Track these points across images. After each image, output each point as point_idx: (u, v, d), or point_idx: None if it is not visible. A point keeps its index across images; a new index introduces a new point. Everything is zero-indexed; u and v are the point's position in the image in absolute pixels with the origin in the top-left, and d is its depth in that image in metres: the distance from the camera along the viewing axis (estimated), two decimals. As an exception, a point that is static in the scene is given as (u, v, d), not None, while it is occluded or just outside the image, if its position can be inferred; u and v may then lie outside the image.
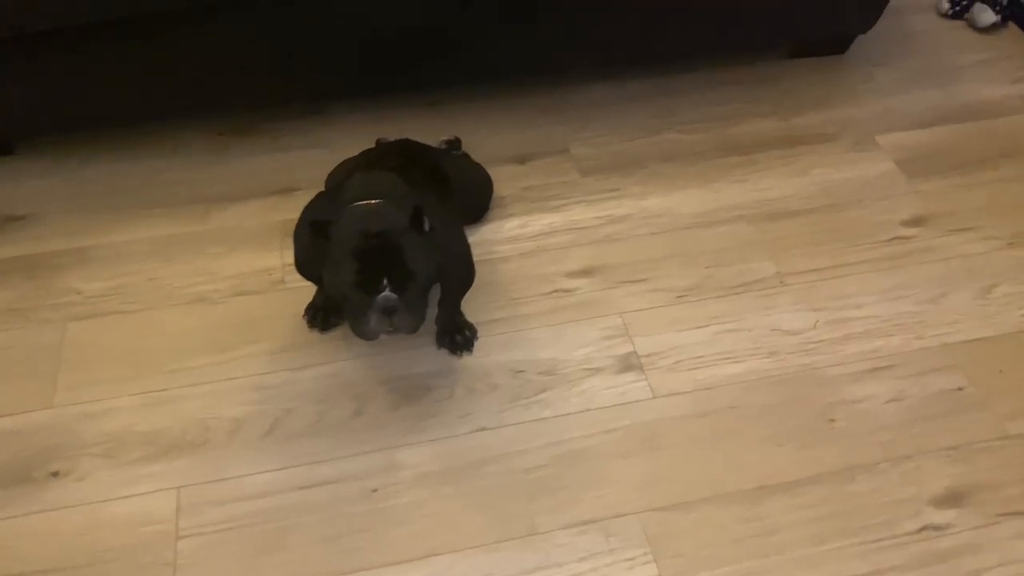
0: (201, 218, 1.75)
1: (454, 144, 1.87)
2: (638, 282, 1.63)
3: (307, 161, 1.84)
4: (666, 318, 1.56)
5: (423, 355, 1.52)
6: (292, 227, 1.44)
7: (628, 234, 1.72)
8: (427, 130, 1.82)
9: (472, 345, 1.54)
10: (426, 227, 1.27)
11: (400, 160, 1.52)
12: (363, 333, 1.27)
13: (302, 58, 1.74)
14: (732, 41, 2.02)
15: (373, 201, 1.29)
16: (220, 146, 1.91)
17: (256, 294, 1.61)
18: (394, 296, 1.24)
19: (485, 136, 1.91)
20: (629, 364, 1.49)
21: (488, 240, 1.70)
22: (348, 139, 1.76)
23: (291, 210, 1.56)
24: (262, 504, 1.32)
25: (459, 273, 1.48)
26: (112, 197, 1.79)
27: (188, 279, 1.63)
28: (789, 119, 1.97)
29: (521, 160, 1.87)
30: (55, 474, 1.34)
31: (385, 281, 1.23)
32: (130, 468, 1.36)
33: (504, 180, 1.81)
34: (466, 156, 1.83)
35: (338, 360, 1.51)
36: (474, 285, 1.51)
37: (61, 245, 1.69)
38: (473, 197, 1.73)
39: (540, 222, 1.75)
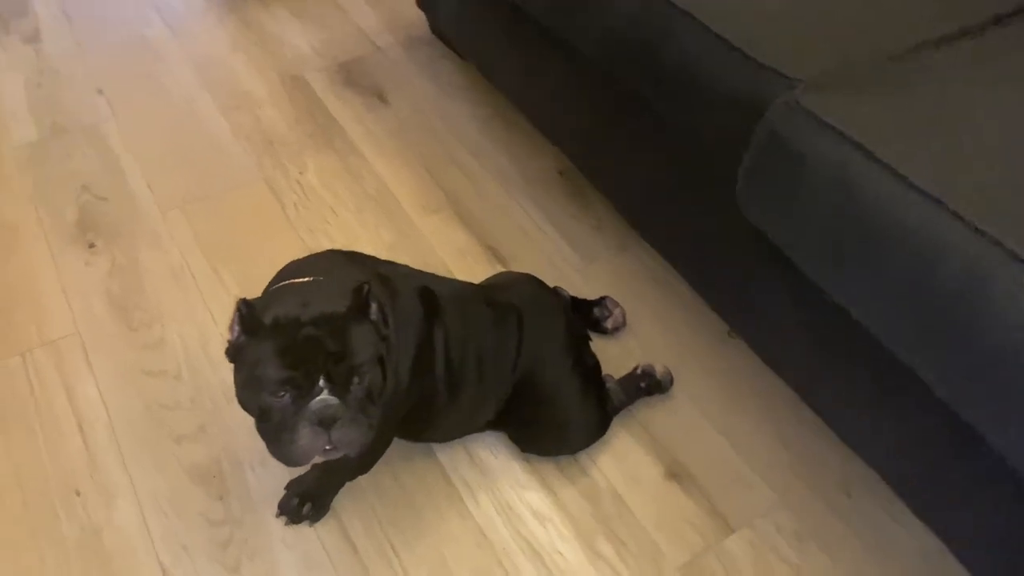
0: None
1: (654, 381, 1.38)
2: None
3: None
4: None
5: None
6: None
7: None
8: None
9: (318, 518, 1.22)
10: (373, 315, 0.98)
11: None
12: (289, 455, 0.94)
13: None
14: None
15: (303, 280, 1.01)
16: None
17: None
18: (334, 400, 0.92)
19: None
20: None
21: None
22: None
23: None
24: None
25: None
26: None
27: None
28: None
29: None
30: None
31: (321, 380, 0.92)
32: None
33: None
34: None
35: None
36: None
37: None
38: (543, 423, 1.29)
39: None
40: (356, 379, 0.94)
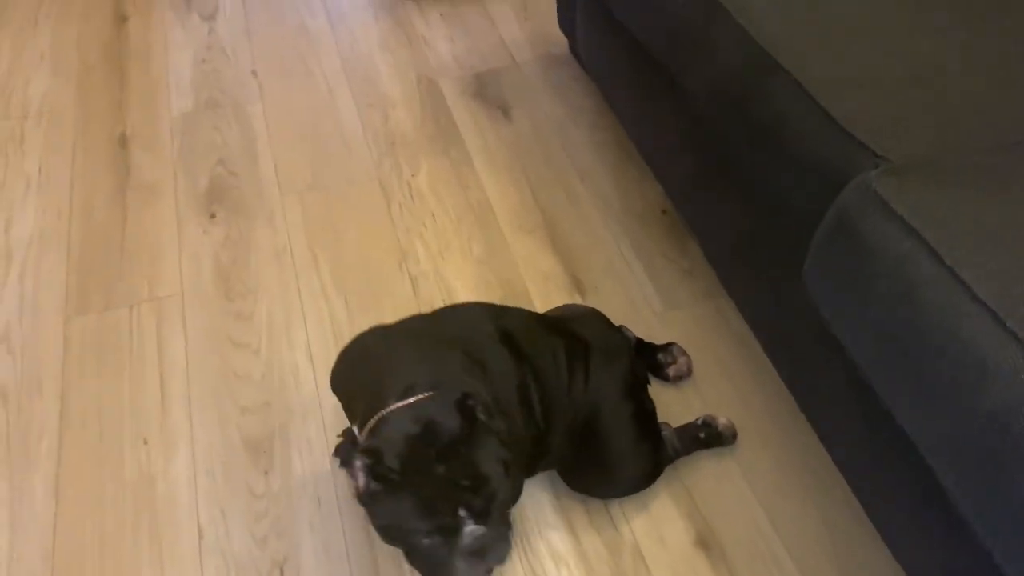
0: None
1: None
2: None
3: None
4: None
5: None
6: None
7: None
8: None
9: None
10: (480, 415, 0.96)
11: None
12: None
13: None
14: None
15: (415, 399, 0.99)
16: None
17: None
18: (481, 529, 0.92)
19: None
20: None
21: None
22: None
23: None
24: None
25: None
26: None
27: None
28: None
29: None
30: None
31: (462, 512, 0.92)
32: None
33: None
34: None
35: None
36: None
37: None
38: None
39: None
40: (494, 498, 0.94)
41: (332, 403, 1.43)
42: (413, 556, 0.99)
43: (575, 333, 1.26)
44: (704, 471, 1.34)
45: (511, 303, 1.51)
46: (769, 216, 1.27)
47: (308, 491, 1.32)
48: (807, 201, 1.09)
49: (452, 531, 0.92)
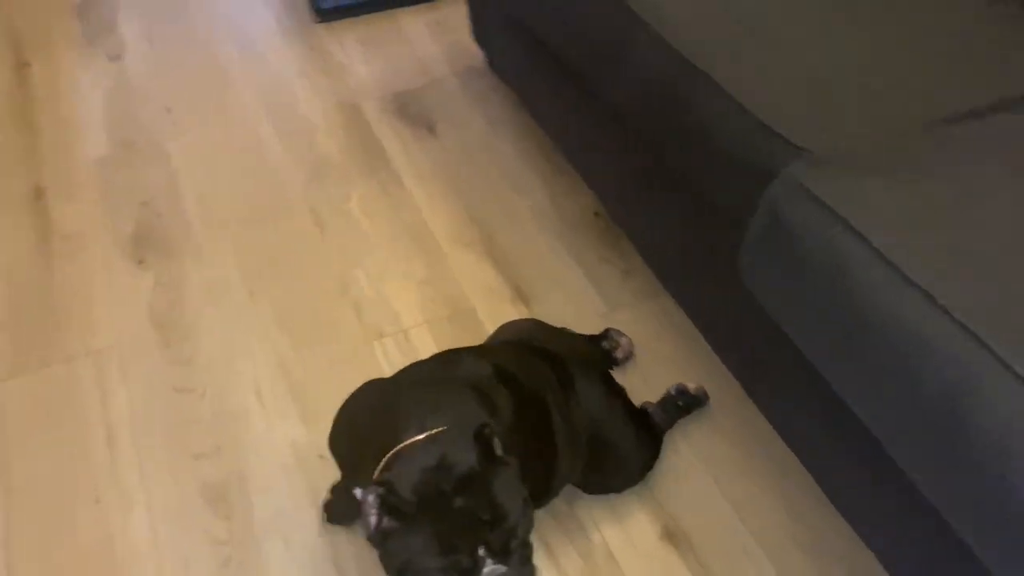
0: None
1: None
2: None
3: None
4: None
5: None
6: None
7: None
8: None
9: None
10: (498, 450, 0.92)
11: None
12: None
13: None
14: None
15: (428, 433, 0.95)
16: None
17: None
18: (501, 568, 0.87)
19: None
20: None
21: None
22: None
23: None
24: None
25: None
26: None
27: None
28: None
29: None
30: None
31: (482, 551, 0.87)
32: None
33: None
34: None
35: None
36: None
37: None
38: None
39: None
40: (514, 536, 0.89)
41: (290, 438, 1.41)
42: None
43: (550, 352, 1.27)
44: (663, 465, 1.37)
45: (457, 320, 1.52)
46: (702, 214, 1.31)
47: (273, 533, 1.31)
48: (737, 197, 1.13)
49: (470, 571, 0.87)
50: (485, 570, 0.86)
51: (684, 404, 1.41)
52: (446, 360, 1.19)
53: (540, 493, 1.17)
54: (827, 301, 0.96)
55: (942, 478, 0.88)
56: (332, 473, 1.26)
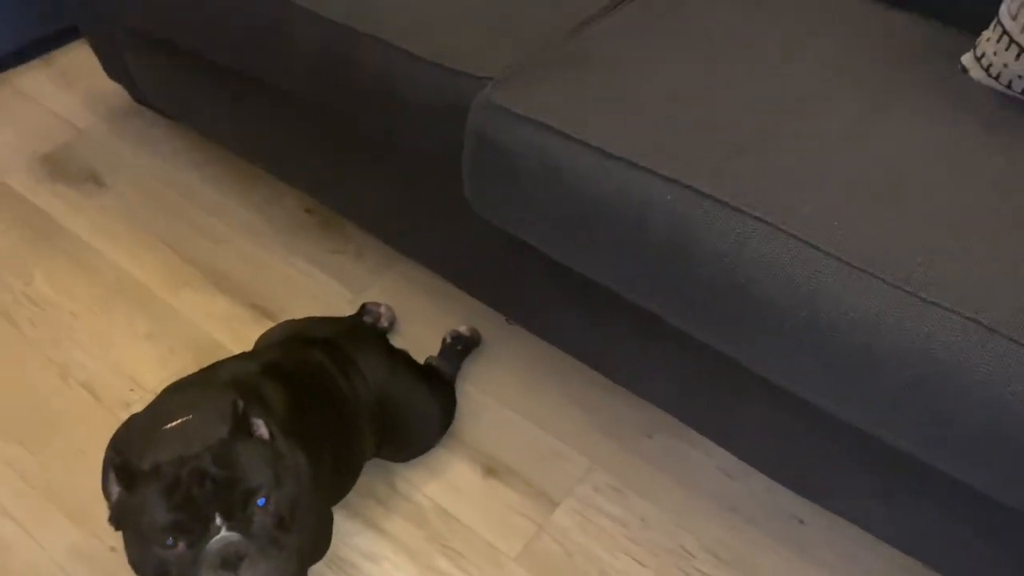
0: None
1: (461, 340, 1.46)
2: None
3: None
4: None
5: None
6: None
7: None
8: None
9: None
10: (259, 431, 0.90)
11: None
12: None
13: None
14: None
15: (179, 421, 0.93)
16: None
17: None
18: (235, 536, 0.82)
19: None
20: None
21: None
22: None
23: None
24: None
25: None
26: None
27: None
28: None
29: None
30: None
31: (217, 518, 0.82)
32: None
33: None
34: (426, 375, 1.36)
35: None
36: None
37: None
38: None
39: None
40: (257, 506, 0.84)
41: (66, 545, 1.26)
42: None
43: (320, 339, 1.26)
44: (458, 412, 1.42)
45: (205, 359, 1.43)
46: (415, 169, 1.35)
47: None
48: (442, 140, 1.18)
49: (200, 534, 0.82)
50: (216, 536, 0.82)
51: (463, 347, 1.47)
52: (208, 368, 1.16)
53: (344, 472, 1.19)
54: (550, 199, 1.05)
55: (681, 302, 1.01)
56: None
